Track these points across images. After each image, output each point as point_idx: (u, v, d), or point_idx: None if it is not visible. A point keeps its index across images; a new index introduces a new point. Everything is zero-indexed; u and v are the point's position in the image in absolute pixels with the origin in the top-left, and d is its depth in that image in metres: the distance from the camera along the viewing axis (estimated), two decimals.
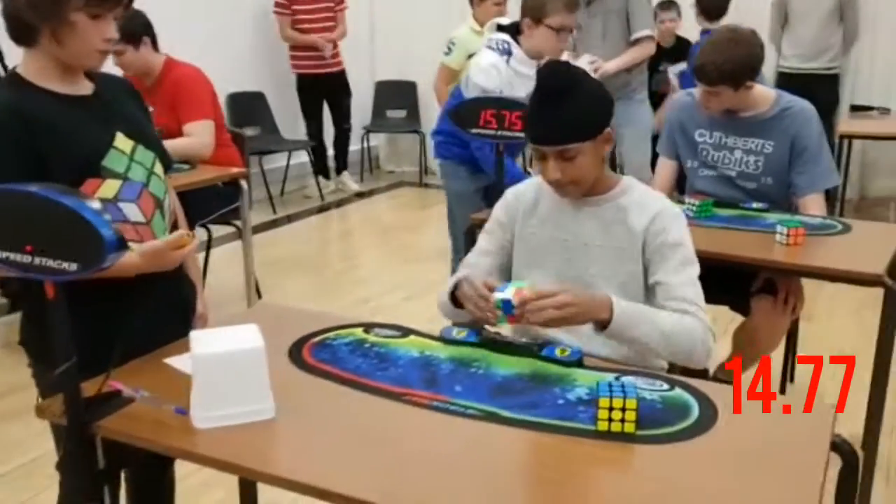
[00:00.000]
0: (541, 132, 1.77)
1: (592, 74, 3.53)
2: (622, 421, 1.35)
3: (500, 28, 3.28)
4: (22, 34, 1.56)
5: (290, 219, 5.94)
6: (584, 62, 3.79)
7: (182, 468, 2.09)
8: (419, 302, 4.19)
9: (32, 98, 1.57)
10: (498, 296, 1.63)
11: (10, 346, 3.64)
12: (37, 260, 1.23)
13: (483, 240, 2.02)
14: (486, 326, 1.80)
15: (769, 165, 2.73)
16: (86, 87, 1.67)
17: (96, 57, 1.60)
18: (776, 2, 5.55)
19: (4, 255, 1.25)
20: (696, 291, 1.78)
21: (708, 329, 1.74)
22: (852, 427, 2.41)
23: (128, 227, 1.63)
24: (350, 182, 6.61)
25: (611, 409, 1.35)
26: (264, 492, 2.17)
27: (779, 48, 5.61)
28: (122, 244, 1.22)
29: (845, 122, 5.20)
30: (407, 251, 5.18)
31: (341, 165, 6.61)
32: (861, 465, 2.34)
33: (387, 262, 4.98)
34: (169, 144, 3.40)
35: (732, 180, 2.80)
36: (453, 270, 3.33)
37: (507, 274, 2.01)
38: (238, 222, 3.75)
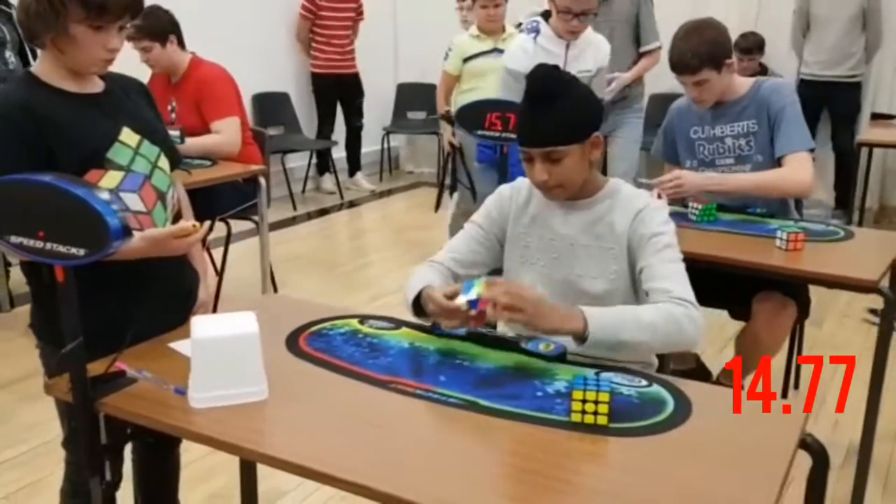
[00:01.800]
0: (527, 134, 1.82)
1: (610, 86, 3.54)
2: (595, 413, 1.41)
3: (519, 25, 3.37)
4: (30, 38, 1.67)
5: (309, 216, 6.05)
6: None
7: (186, 456, 2.19)
8: None
9: (43, 96, 1.67)
10: (463, 299, 1.64)
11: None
12: (48, 245, 1.33)
13: (470, 227, 2.04)
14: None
15: (758, 143, 2.77)
16: (96, 86, 1.76)
17: (99, 65, 1.68)
18: (798, 8, 5.55)
19: (19, 240, 1.34)
20: (681, 281, 1.75)
21: (688, 304, 1.69)
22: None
23: (128, 215, 1.71)
24: (364, 182, 6.74)
25: (584, 401, 1.41)
26: (265, 479, 2.27)
27: (800, 55, 5.62)
28: (126, 232, 1.31)
29: (866, 131, 5.19)
30: (418, 250, 5.24)
31: (355, 166, 6.73)
32: (856, 469, 2.42)
33: (398, 260, 5.07)
34: (197, 141, 3.53)
35: (731, 171, 2.83)
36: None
37: (482, 267, 2.03)
38: (256, 217, 3.85)
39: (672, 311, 1.67)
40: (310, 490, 2.55)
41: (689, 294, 1.72)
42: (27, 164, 1.53)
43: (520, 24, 3.45)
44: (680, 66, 2.68)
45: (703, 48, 2.64)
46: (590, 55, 3.29)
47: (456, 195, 4.68)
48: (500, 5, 4.35)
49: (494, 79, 4.24)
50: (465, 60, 4.40)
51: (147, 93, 1.91)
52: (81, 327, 1.40)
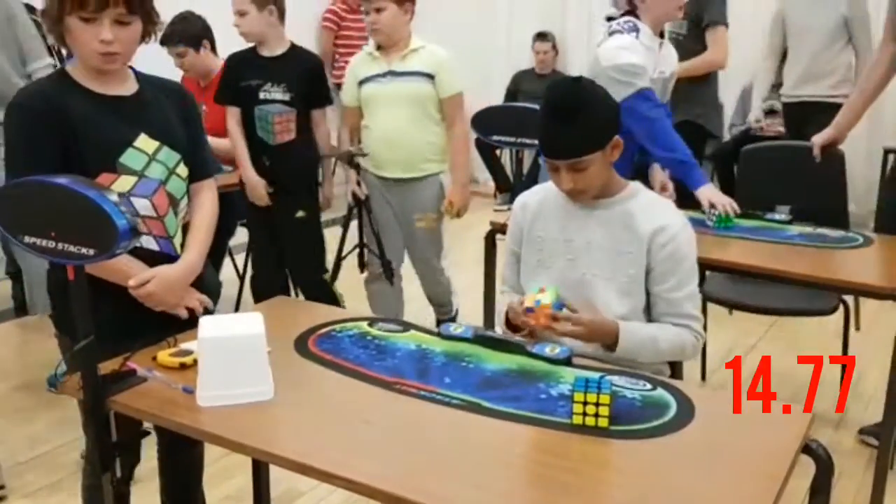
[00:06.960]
0: (554, 147, 1.86)
1: None
2: (596, 416, 1.42)
3: (610, 18, 3.07)
4: (55, 40, 1.74)
5: (334, 221, 6.08)
6: None
7: (206, 456, 2.21)
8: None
9: (70, 93, 1.71)
10: (529, 299, 1.79)
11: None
12: (59, 245, 1.36)
13: (508, 254, 2.13)
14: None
15: None
16: (125, 89, 1.78)
17: (97, 58, 1.68)
18: (775, 16, 4.74)
19: (32, 240, 1.38)
20: (695, 304, 1.93)
21: (700, 338, 1.93)
22: None
23: (137, 220, 1.71)
24: None
25: (585, 403, 1.42)
26: (280, 482, 2.29)
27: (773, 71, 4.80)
28: (134, 233, 1.34)
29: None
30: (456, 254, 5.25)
31: None
32: (875, 471, 2.38)
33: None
34: (222, 143, 3.54)
35: None
36: None
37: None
38: None
39: (686, 346, 1.90)
40: (323, 494, 2.57)
41: (701, 321, 1.95)
42: (46, 156, 1.64)
43: (609, 19, 3.19)
44: None
45: None
46: (670, 58, 3.09)
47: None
48: (383, 10, 3.08)
49: (385, 113, 3.23)
50: (361, 84, 3.27)
51: (184, 98, 1.91)
52: (94, 325, 1.44)
